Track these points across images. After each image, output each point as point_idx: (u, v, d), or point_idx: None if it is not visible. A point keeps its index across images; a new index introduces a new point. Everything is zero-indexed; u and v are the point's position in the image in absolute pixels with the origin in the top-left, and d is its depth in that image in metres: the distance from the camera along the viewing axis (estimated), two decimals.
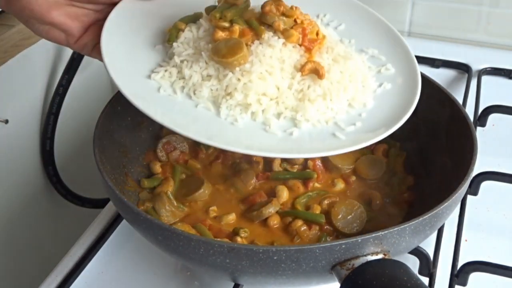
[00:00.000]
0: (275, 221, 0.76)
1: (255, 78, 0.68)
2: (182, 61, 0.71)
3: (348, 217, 0.75)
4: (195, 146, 0.87)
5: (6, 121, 1.06)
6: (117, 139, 0.81)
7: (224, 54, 0.68)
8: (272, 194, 0.79)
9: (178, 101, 0.70)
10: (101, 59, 0.70)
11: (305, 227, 0.74)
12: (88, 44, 0.74)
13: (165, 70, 0.72)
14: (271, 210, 0.76)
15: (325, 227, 0.75)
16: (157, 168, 0.84)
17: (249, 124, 0.68)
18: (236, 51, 0.68)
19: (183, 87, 0.71)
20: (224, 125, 0.68)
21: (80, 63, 1.18)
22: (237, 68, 0.69)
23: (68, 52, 1.19)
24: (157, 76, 0.71)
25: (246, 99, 0.68)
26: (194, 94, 0.70)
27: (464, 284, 0.73)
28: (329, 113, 0.70)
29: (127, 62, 0.71)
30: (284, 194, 0.79)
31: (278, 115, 0.69)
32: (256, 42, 0.71)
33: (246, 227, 0.75)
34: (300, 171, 0.83)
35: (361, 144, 0.66)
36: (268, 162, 0.84)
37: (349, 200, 0.78)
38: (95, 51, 0.74)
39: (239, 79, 0.68)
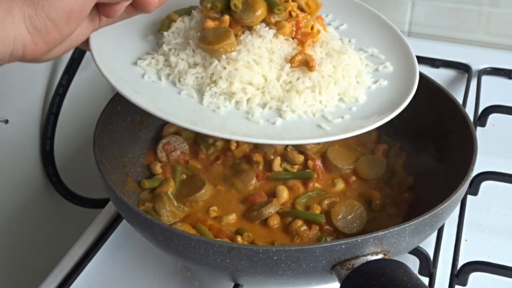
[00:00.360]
0: (275, 221, 0.76)
1: (241, 67, 0.68)
2: (170, 49, 0.72)
3: (348, 217, 0.75)
4: (195, 147, 0.87)
5: (6, 121, 1.06)
6: (117, 139, 0.81)
7: (210, 41, 0.68)
8: (272, 194, 0.79)
9: (161, 88, 0.70)
10: None
11: (305, 227, 0.74)
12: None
13: (152, 58, 0.72)
14: (271, 210, 0.76)
15: (325, 227, 0.75)
16: (158, 168, 0.84)
17: (231, 112, 0.68)
18: (223, 39, 0.68)
19: (168, 75, 0.71)
20: (206, 112, 0.67)
21: (80, 63, 1.18)
22: (223, 56, 0.68)
23: (68, 52, 1.19)
24: (143, 63, 0.71)
25: (230, 87, 0.68)
26: (179, 81, 0.70)
27: (464, 284, 0.73)
28: (317, 106, 0.69)
29: (116, 50, 0.71)
30: (284, 194, 0.79)
31: (264, 105, 0.69)
32: (247, 32, 0.70)
33: (247, 227, 0.75)
34: (300, 171, 0.83)
35: (346, 134, 0.65)
36: (268, 162, 0.84)
37: (349, 200, 0.78)
38: None
39: (224, 67, 0.68)
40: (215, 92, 0.68)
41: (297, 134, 0.66)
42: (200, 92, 0.69)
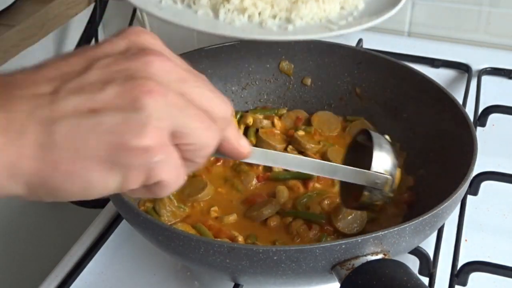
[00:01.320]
0: (275, 222, 0.76)
1: None
2: None
3: (348, 218, 0.75)
4: None
5: None
6: None
7: None
8: (273, 195, 0.79)
9: (179, 9, 0.77)
10: None
11: (305, 227, 0.74)
12: None
13: None
14: (271, 210, 0.76)
15: (325, 227, 0.75)
16: None
17: (246, 24, 0.76)
18: None
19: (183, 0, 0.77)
20: (223, 24, 0.76)
21: None
22: None
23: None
24: None
25: (242, 3, 0.75)
26: (194, 4, 0.77)
27: (464, 284, 0.73)
28: (322, 13, 0.77)
29: None
30: (284, 194, 0.79)
31: (274, 17, 0.76)
32: None
33: (247, 227, 0.75)
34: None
35: (351, 29, 0.74)
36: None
37: None
38: None
39: None
40: (229, 9, 0.75)
41: (308, 32, 0.74)
42: (215, 11, 0.77)
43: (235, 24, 0.75)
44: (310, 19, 0.76)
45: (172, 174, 0.44)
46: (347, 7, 0.79)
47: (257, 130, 0.89)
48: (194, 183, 0.81)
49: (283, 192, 0.79)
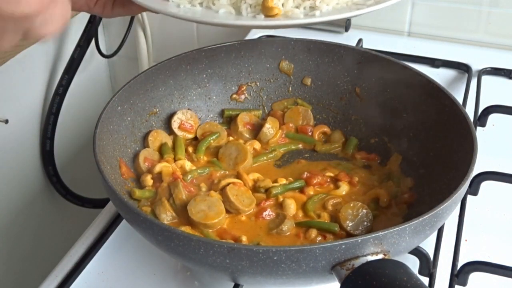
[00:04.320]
0: (289, 232, 0.75)
1: None
2: None
3: (356, 219, 0.75)
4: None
5: (6, 121, 1.06)
6: (117, 139, 0.81)
7: None
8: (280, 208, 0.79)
9: (199, 11, 0.74)
10: (124, 13, 0.74)
11: (320, 238, 0.74)
12: (107, 3, 0.75)
13: None
14: (289, 225, 0.75)
15: (340, 232, 0.75)
16: (148, 180, 0.81)
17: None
18: None
19: (201, 3, 0.75)
20: (247, 18, 0.72)
21: (80, 63, 1.18)
22: None
23: (68, 52, 1.20)
24: None
25: None
26: (214, 4, 0.74)
27: (464, 284, 0.73)
28: None
29: None
30: (292, 206, 0.78)
31: (298, 7, 0.73)
32: None
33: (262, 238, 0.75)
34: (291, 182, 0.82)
35: (384, 4, 0.70)
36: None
37: (353, 202, 0.77)
38: (116, 8, 0.76)
39: None
40: (250, 4, 0.72)
41: (339, 12, 0.72)
42: (236, 8, 0.73)
43: (259, 17, 0.72)
44: (336, 4, 0.73)
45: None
46: None
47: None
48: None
49: (290, 204, 0.78)
